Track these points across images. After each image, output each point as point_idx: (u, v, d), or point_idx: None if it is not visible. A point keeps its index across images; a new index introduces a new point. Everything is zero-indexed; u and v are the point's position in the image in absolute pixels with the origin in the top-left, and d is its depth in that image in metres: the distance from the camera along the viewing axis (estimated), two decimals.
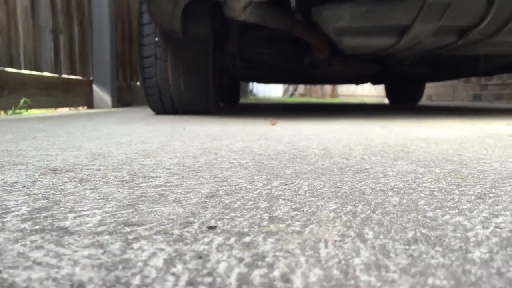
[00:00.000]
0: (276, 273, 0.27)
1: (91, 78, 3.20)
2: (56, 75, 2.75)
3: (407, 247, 0.32)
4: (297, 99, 12.23)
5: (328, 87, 13.89)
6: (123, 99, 3.64)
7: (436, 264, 0.29)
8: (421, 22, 1.68)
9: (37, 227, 0.36)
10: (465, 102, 6.19)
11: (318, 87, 14.01)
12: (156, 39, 2.09)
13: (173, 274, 0.27)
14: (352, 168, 0.66)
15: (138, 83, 4.20)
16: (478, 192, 0.49)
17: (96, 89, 3.21)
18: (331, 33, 1.89)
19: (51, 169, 0.63)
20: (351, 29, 1.82)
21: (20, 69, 2.38)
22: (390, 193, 0.49)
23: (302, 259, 0.30)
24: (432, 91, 7.27)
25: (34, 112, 2.53)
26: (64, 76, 2.84)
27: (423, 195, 0.48)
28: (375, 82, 4.44)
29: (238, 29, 2.50)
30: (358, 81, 4.07)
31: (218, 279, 0.26)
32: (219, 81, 2.62)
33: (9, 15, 2.27)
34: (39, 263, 0.28)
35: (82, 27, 3.08)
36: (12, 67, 2.30)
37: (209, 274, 0.27)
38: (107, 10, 3.17)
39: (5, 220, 0.38)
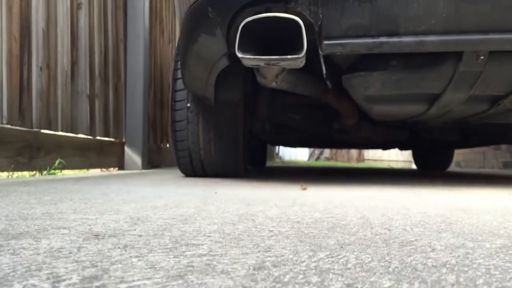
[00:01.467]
0: None
1: (123, 140, 3.28)
2: (90, 137, 2.83)
3: None
4: (323, 162, 12.21)
5: (354, 151, 13.87)
6: (153, 160, 3.70)
7: None
8: (452, 91, 1.69)
9: None
10: (495, 169, 6.07)
11: (344, 151, 14.00)
12: (188, 104, 2.15)
13: None
14: (396, 240, 0.64)
15: (167, 145, 4.28)
16: None
17: (127, 150, 3.28)
18: (360, 100, 1.91)
19: (93, 234, 0.64)
20: (381, 96, 1.84)
21: (57, 131, 2.46)
22: (444, 270, 0.47)
23: None
24: (461, 158, 7.17)
25: (67, 172, 2.59)
26: (98, 138, 2.92)
27: (480, 273, 0.46)
28: (403, 148, 4.42)
29: (269, 95, 2.56)
30: (385, 146, 4.06)
31: None
32: (248, 144, 2.65)
33: (49, 80, 2.38)
34: None
35: (117, 91, 3.20)
36: (49, 129, 2.38)
37: None
38: (142, 76, 3.30)
39: None
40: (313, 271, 0.46)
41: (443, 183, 2.18)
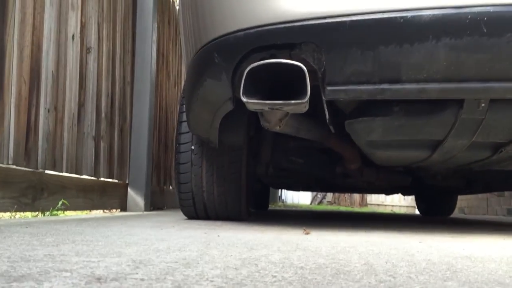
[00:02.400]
0: None
1: (127, 182, 3.28)
2: (94, 178, 2.83)
3: None
4: (325, 206, 12.13)
5: (357, 196, 13.78)
6: (156, 202, 3.69)
7: None
8: (454, 137, 1.70)
9: None
10: (499, 216, 6.01)
11: (346, 195, 13.91)
12: (193, 147, 2.17)
13: None
14: None
15: (170, 187, 4.27)
16: None
17: (130, 192, 3.28)
18: (363, 145, 1.92)
19: (95, 278, 0.63)
20: (383, 142, 1.85)
21: (62, 171, 2.47)
22: None
23: None
24: (465, 204, 7.11)
25: (69, 213, 2.58)
26: (102, 179, 2.93)
27: None
28: (406, 193, 4.40)
29: (272, 139, 2.58)
30: (388, 191, 4.04)
31: None
32: (251, 188, 2.65)
33: (56, 121, 2.42)
34: None
35: (122, 133, 3.24)
36: (54, 170, 2.39)
37: None
38: (147, 119, 3.34)
39: None
40: None
41: (446, 229, 2.16)
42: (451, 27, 1.33)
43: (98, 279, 0.63)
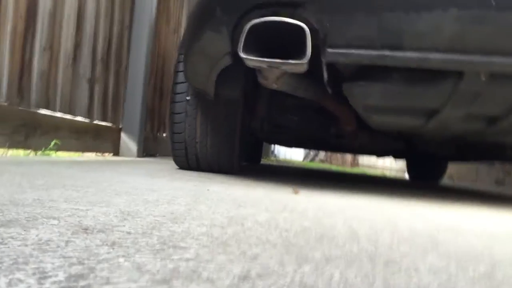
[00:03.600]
0: None
1: (120, 126, 3.27)
2: (87, 121, 2.82)
3: None
4: (317, 164, 12.23)
5: (349, 156, 13.89)
6: (149, 149, 3.70)
7: None
8: (450, 108, 1.70)
9: None
10: (488, 186, 6.10)
11: (339, 155, 14.02)
12: (188, 98, 2.15)
13: None
14: (381, 258, 0.65)
15: (164, 135, 4.27)
16: None
17: (124, 137, 3.28)
18: (360, 109, 1.92)
19: (82, 228, 0.64)
20: (379, 107, 1.85)
21: (55, 111, 2.45)
22: None
23: None
24: (454, 171, 7.20)
25: (62, 155, 2.59)
26: (95, 122, 2.92)
27: None
28: (397, 156, 4.43)
29: (268, 95, 2.56)
30: (380, 154, 4.07)
31: None
32: (244, 142, 2.66)
33: (51, 61, 2.38)
34: None
35: (118, 77, 3.20)
36: (48, 109, 2.37)
37: None
38: (144, 64, 3.30)
39: (43, 287, 0.39)
40: (297, 285, 0.47)
41: (434, 197, 2.19)
42: None
43: (85, 229, 0.63)
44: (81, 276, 0.42)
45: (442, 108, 1.71)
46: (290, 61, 1.32)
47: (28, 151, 2.29)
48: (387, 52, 1.38)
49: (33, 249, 0.50)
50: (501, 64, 1.38)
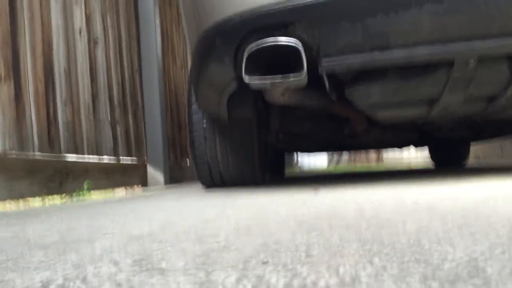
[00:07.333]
0: (308, 280, 0.41)
1: (145, 160, 3.47)
2: (114, 161, 3.02)
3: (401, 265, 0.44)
4: (342, 167, 12.25)
5: (373, 153, 13.88)
6: (174, 177, 3.88)
7: None
8: (448, 94, 1.81)
9: (136, 267, 0.51)
10: None
11: (363, 154, 14.02)
12: (205, 125, 2.32)
13: (243, 285, 0.41)
14: (376, 220, 0.78)
15: (187, 162, 4.46)
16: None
17: (150, 169, 3.48)
18: (364, 108, 2.05)
19: (134, 236, 0.79)
20: (382, 103, 1.97)
21: (84, 156, 2.65)
22: (402, 236, 0.61)
23: (327, 274, 0.43)
24: (480, 152, 7.19)
25: (95, 194, 2.77)
26: (121, 160, 3.11)
27: (433, 237, 0.60)
28: (417, 145, 4.50)
29: (279, 109, 2.71)
30: (399, 145, 4.16)
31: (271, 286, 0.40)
32: (265, 154, 2.80)
33: (73, 112, 2.58)
34: None
35: (136, 117, 3.40)
36: (76, 153, 2.57)
37: (265, 283, 0.41)
38: (158, 101, 3.53)
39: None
40: (304, 245, 0.61)
41: (456, 177, 2.29)
42: None
43: (136, 236, 0.78)
44: (144, 259, 0.57)
45: (440, 96, 1.82)
46: (290, 77, 1.46)
47: (63, 196, 2.47)
48: (376, 53, 1.51)
49: (102, 252, 0.65)
50: (483, 46, 1.50)
